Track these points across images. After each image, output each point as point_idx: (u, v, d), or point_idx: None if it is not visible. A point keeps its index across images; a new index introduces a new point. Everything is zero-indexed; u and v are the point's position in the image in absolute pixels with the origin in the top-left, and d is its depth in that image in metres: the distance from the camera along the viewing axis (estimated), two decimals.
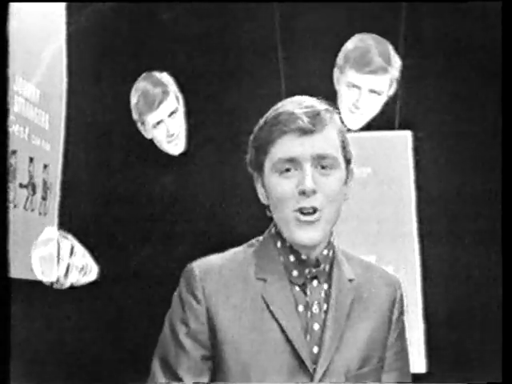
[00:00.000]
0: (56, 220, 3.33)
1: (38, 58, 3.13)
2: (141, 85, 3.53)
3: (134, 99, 3.65)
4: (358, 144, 3.95)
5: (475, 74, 3.44)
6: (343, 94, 3.66)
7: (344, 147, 1.57)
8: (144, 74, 3.50)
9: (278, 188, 1.51)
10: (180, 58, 3.71)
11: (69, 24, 3.37)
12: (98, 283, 3.49)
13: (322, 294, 1.56)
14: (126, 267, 3.51)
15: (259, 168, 1.57)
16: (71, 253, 3.40)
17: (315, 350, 1.52)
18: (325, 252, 1.58)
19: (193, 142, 3.67)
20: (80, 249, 3.47)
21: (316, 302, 1.55)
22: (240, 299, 1.53)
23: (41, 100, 3.12)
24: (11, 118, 2.78)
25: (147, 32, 3.72)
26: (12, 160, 2.82)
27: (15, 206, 2.87)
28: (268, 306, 1.51)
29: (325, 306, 1.55)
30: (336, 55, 3.82)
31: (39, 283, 3.12)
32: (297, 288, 1.55)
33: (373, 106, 3.68)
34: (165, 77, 3.59)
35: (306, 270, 1.55)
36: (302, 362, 1.49)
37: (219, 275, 1.55)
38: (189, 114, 3.62)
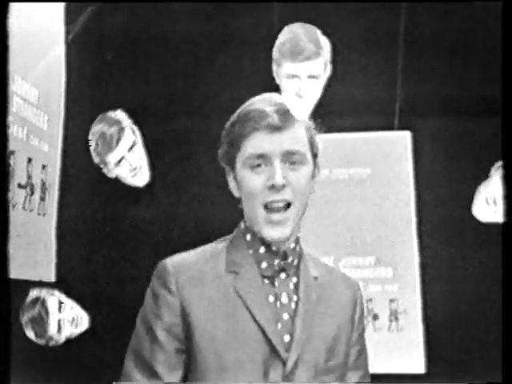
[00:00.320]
0: (54, 221, 3.33)
1: (37, 58, 3.12)
2: (97, 128, 3.50)
3: (92, 144, 3.64)
4: (357, 145, 4.02)
5: (475, 74, 3.44)
6: (285, 86, 3.64)
7: (312, 143, 1.65)
8: (99, 117, 3.50)
9: (249, 182, 1.58)
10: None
11: (68, 25, 3.37)
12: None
13: (291, 286, 1.62)
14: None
15: (231, 162, 1.63)
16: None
17: (286, 338, 1.57)
18: (292, 245, 1.64)
19: (156, 172, 3.74)
20: (68, 302, 3.47)
21: (285, 293, 1.60)
22: (212, 291, 1.57)
23: (39, 100, 3.12)
24: (9, 118, 2.78)
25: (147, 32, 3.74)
26: (10, 160, 2.82)
27: (14, 207, 2.86)
28: (240, 297, 1.57)
29: (294, 298, 1.61)
30: (336, 55, 3.82)
31: (39, 283, 3.12)
32: (266, 281, 1.60)
33: (314, 91, 3.65)
34: (119, 114, 3.57)
35: (275, 262, 1.61)
36: (274, 350, 1.54)
37: (191, 269, 1.59)
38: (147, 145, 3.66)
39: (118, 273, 3.75)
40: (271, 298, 1.59)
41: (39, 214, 3.13)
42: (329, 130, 4.00)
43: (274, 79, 3.66)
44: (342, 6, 3.67)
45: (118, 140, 3.60)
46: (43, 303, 2.85)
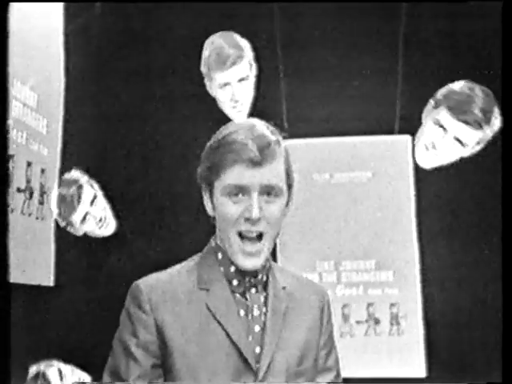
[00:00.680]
0: (53, 225, 3.32)
1: (36, 62, 3.12)
2: (57, 193, 3.49)
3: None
4: (358, 149, 4.01)
5: (475, 75, 3.42)
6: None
7: (288, 174, 1.68)
8: (58, 181, 3.49)
9: (226, 210, 1.62)
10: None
11: (66, 27, 3.37)
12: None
13: (261, 299, 1.67)
14: None
15: (209, 185, 1.67)
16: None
17: (257, 349, 1.63)
18: (263, 263, 1.67)
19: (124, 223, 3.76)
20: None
21: (256, 306, 1.66)
22: (185, 308, 1.62)
23: (38, 105, 3.12)
24: (9, 122, 2.77)
25: (145, 32, 3.74)
26: (9, 164, 2.81)
27: (12, 211, 2.86)
28: (212, 313, 1.62)
29: (264, 309, 1.67)
30: (336, 56, 3.83)
31: (38, 287, 3.12)
32: (237, 295, 1.66)
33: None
34: (74, 174, 3.56)
35: (246, 279, 1.66)
36: (246, 362, 1.60)
37: (164, 288, 1.64)
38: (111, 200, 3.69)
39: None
40: (242, 312, 1.64)
41: (37, 219, 3.12)
42: (329, 134, 4.03)
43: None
44: (342, 6, 3.67)
45: (79, 198, 3.64)
46: (44, 376, 2.95)
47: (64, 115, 3.41)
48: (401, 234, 3.98)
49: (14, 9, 2.54)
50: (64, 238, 3.38)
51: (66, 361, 3.15)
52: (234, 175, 1.60)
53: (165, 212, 3.87)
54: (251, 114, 1.60)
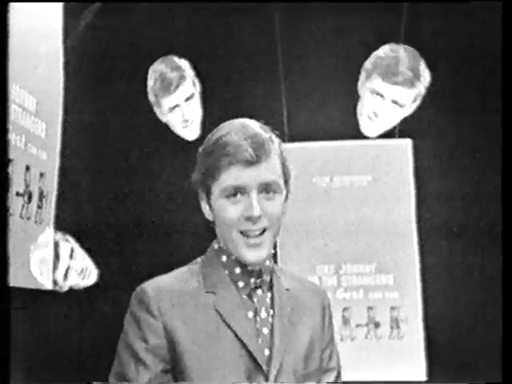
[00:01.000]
0: (52, 229, 3.31)
1: (35, 65, 3.11)
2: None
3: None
4: (358, 152, 4.01)
5: (475, 75, 3.43)
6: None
7: (284, 170, 1.68)
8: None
9: (226, 212, 1.61)
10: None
11: (65, 29, 3.37)
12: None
13: (268, 301, 1.68)
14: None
15: (206, 189, 1.66)
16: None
17: (266, 352, 1.62)
18: (267, 263, 1.68)
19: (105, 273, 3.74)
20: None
21: (263, 308, 1.66)
22: (193, 312, 1.61)
23: (37, 108, 3.11)
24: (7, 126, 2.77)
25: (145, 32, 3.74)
26: (8, 168, 2.80)
27: (11, 215, 2.85)
28: (221, 316, 1.61)
29: (271, 311, 1.67)
30: (336, 56, 3.83)
31: (37, 291, 3.11)
32: (244, 296, 1.66)
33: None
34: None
35: (251, 281, 1.66)
36: (257, 364, 1.59)
37: (170, 292, 1.63)
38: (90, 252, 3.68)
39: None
40: (250, 314, 1.64)
41: (36, 223, 3.11)
42: (329, 138, 4.02)
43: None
44: (342, 6, 3.67)
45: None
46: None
47: (63, 119, 3.40)
48: (401, 238, 3.98)
49: (14, 9, 2.54)
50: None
51: (66, 361, 3.15)
52: (231, 176, 1.59)
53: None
54: (250, 116, 1.59)
